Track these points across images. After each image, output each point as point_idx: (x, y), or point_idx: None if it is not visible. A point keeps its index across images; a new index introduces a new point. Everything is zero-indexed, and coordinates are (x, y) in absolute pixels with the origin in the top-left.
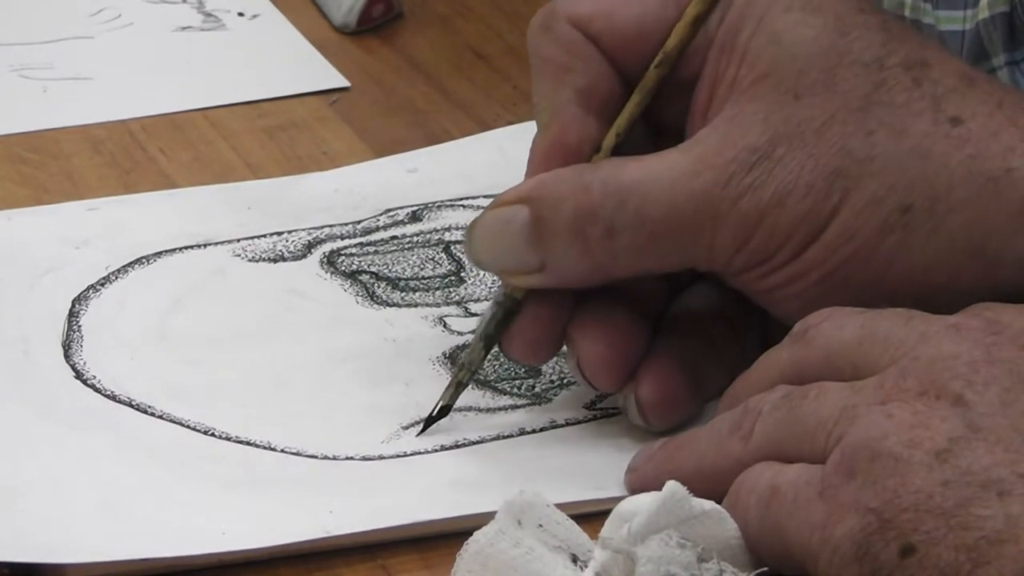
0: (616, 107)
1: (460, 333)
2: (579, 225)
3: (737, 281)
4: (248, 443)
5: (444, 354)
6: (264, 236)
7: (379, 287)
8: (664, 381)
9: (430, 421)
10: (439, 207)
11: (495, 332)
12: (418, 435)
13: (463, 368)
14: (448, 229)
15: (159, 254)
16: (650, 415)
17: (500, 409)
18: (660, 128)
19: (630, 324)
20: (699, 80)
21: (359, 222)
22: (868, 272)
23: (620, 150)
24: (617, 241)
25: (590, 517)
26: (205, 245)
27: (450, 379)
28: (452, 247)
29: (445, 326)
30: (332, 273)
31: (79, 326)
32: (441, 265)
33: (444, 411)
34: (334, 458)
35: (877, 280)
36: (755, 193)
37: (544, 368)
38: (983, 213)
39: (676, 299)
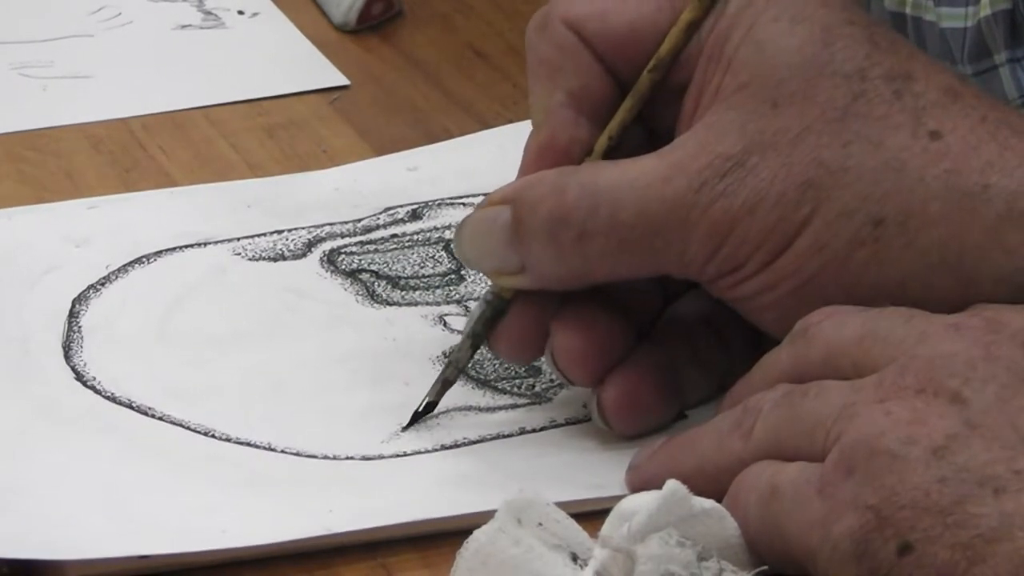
0: (609, 110)
1: (460, 332)
2: (553, 228)
3: (713, 289)
4: (248, 444)
5: (444, 353)
6: (264, 235)
7: (379, 286)
8: (630, 385)
9: (415, 417)
10: (439, 205)
11: (482, 330)
12: (403, 430)
13: (449, 365)
14: (448, 227)
15: (159, 253)
16: (611, 418)
17: (500, 408)
18: (657, 133)
19: (610, 323)
20: (689, 86)
21: (359, 220)
22: (841, 284)
23: (614, 153)
24: (589, 245)
25: (590, 516)
26: (205, 244)
27: (437, 376)
28: (452, 245)
29: (445, 325)
30: (332, 272)
31: (79, 327)
32: (441, 263)
33: (430, 407)
34: (334, 458)
35: (851, 292)
36: (726, 201)
37: (544, 367)
38: (958, 228)
39: (670, 305)
